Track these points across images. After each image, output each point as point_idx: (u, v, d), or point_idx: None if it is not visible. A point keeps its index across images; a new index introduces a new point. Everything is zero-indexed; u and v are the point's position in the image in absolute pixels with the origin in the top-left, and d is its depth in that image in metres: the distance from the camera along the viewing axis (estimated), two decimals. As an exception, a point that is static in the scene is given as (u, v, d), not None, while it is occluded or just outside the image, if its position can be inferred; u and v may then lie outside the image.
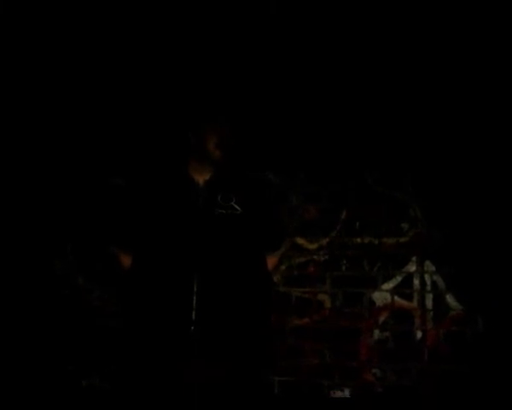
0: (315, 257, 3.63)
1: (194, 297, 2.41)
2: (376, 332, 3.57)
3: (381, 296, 3.58)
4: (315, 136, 3.64)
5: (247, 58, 3.61)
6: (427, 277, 3.55)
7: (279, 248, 2.71)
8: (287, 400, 3.53)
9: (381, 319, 3.57)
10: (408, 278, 3.57)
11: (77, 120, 3.78)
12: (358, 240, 3.61)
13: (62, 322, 3.71)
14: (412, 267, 3.57)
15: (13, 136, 3.79)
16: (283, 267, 3.63)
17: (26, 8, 3.65)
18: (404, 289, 3.57)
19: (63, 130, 3.78)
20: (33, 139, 3.79)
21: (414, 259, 3.57)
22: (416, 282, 3.56)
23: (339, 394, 3.55)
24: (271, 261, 2.68)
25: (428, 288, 3.55)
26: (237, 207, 2.50)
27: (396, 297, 3.57)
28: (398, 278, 3.58)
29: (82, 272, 3.75)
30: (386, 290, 3.58)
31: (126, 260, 2.61)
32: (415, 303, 3.56)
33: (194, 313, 2.41)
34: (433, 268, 3.54)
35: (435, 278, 3.54)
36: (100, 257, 3.65)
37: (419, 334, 3.54)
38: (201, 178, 2.54)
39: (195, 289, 2.42)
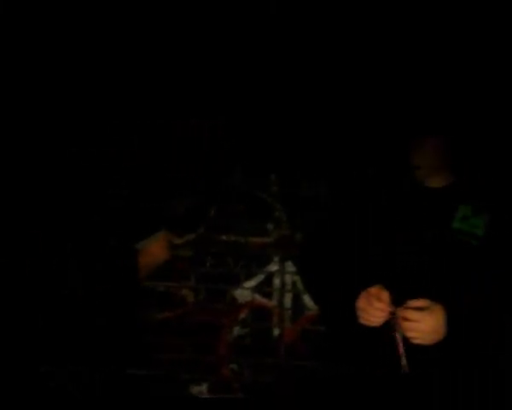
0: (181, 252, 3.67)
1: None
2: (236, 329, 3.66)
3: (242, 294, 3.67)
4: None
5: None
6: (287, 277, 3.67)
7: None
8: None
9: (242, 315, 3.66)
10: (269, 278, 3.68)
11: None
12: (224, 237, 3.68)
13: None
14: (274, 267, 3.67)
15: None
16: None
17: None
18: (265, 288, 3.67)
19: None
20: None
21: (276, 259, 3.67)
22: (277, 281, 3.67)
23: (197, 388, 3.61)
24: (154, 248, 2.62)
25: (288, 287, 3.67)
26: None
27: (256, 295, 3.67)
28: (261, 277, 3.68)
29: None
30: (248, 288, 3.67)
31: None
32: (274, 302, 3.67)
33: None
34: (294, 269, 3.66)
35: (295, 278, 3.66)
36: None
37: (277, 331, 3.66)
38: None
39: None
